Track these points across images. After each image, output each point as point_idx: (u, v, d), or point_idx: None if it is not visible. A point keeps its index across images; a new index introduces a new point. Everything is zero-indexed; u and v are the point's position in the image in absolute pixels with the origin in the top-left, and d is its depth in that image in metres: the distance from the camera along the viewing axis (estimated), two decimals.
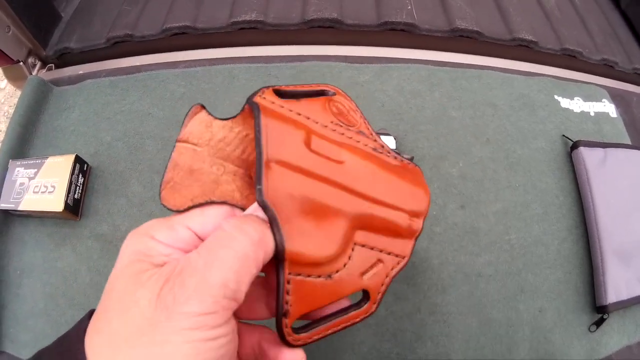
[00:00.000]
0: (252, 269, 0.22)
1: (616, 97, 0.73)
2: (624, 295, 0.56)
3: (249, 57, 0.68)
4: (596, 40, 0.77)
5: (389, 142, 0.58)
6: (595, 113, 0.69)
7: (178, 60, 0.68)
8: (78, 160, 0.56)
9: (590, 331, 0.55)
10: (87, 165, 0.58)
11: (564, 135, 0.65)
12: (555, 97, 0.69)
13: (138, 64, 0.70)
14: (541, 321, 0.54)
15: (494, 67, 0.71)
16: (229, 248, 0.22)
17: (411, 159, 0.58)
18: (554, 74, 0.73)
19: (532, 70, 0.72)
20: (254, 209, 0.25)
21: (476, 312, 0.52)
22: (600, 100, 0.71)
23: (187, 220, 0.26)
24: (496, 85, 0.67)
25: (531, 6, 0.79)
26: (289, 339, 0.25)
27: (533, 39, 0.71)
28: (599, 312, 0.55)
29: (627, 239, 0.58)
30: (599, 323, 0.55)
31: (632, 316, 0.58)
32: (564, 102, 0.69)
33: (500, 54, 0.73)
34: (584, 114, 0.69)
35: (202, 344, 0.20)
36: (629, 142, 0.69)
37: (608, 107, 0.70)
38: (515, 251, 0.56)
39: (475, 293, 0.53)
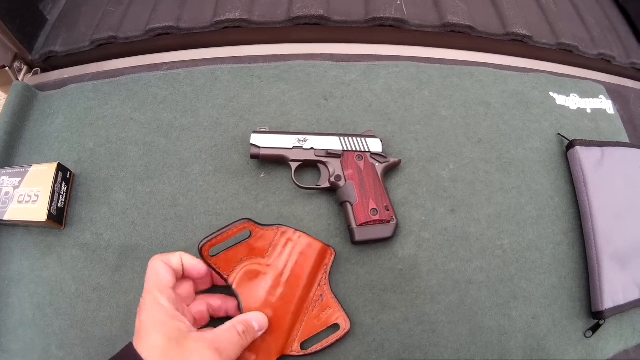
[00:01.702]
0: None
1: (613, 92, 0.70)
2: (621, 300, 0.54)
3: (233, 57, 0.66)
4: (593, 34, 0.74)
5: (375, 145, 0.56)
6: (592, 110, 0.67)
7: (161, 62, 0.67)
8: (61, 168, 0.55)
9: (586, 337, 0.53)
10: (70, 172, 0.57)
11: (559, 134, 0.63)
12: (551, 93, 0.67)
13: (122, 66, 0.68)
14: (535, 328, 0.52)
15: (487, 63, 0.69)
16: (237, 344, 0.41)
17: (399, 162, 0.56)
18: (550, 70, 0.71)
19: (526, 66, 0.70)
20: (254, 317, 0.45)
21: (467, 320, 0.51)
22: (597, 97, 0.68)
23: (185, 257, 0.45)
24: (489, 83, 0.65)
25: (527, 1, 0.76)
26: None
27: (528, 34, 0.69)
28: (595, 317, 0.54)
29: (624, 242, 0.57)
30: (594, 329, 0.53)
31: (630, 320, 0.56)
32: (560, 99, 0.67)
33: (494, 49, 0.71)
34: (580, 111, 0.67)
35: None
36: (627, 140, 0.67)
37: (605, 104, 0.68)
38: (508, 256, 0.54)
39: (465, 301, 0.52)
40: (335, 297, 0.49)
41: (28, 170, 0.54)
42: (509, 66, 0.69)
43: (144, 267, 0.49)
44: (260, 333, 0.43)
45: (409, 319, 0.50)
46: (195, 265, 0.44)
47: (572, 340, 0.53)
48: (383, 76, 0.64)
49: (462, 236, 0.55)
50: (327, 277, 0.49)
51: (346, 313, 0.48)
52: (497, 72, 0.67)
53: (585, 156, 0.60)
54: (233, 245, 0.46)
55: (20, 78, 0.71)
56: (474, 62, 0.68)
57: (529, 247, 0.55)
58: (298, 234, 0.49)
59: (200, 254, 0.45)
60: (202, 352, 0.37)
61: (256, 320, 0.43)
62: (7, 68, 0.70)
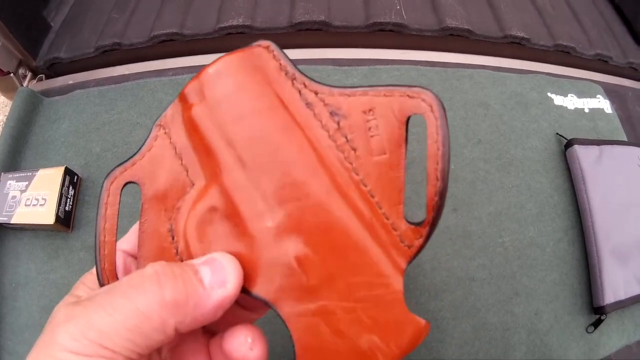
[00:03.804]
0: (153, 335, 0.18)
1: (611, 92, 0.72)
2: (622, 295, 0.55)
3: None
4: (590, 35, 0.76)
5: None
6: (590, 109, 0.68)
7: (166, 67, 0.68)
8: (68, 172, 0.55)
9: (588, 332, 0.54)
10: (77, 176, 0.57)
11: (557, 134, 0.64)
12: (549, 94, 0.68)
13: (127, 72, 0.69)
14: (537, 324, 0.53)
15: (486, 65, 0.70)
16: (130, 299, 0.18)
17: None
18: (547, 71, 0.72)
19: (524, 68, 0.71)
20: (205, 260, 0.22)
21: (470, 316, 0.52)
22: (594, 96, 0.70)
23: (122, 242, 0.25)
24: (488, 85, 0.66)
25: (523, 2, 0.78)
26: None
27: (525, 36, 0.70)
28: (597, 313, 0.55)
29: (624, 238, 0.58)
30: (596, 324, 0.54)
31: (631, 315, 0.57)
32: (558, 100, 0.68)
33: (492, 52, 0.72)
34: (578, 111, 0.68)
35: None
36: (625, 139, 0.68)
37: (603, 103, 0.69)
38: (510, 254, 0.55)
39: (469, 297, 0.52)
40: (347, 87, 0.24)
41: (35, 174, 0.55)
42: (507, 68, 0.70)
43: None
44: (229, 290, 0.21)
45: None
46: None
47: (574, 335, 0.54)
48: (384, 79, 0.66)
49: (463, 234, 0.56)
50: (302, 76, 0.24)
51: (403, 86, 0.23)
52: (496, 74, 0.68)
53: (584, 155, 0.61)
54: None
55: (24, 84, 0.72)
56: (472, 64, 0.70)
57: (530, 244, 0.56)
58: (190, 87, 0.24)
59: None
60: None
61: (209, 262, 0.21)
62: (12, 74, 0.71)
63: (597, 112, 0.69)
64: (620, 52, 0.77)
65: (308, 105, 0.23)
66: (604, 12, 0.83)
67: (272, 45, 0.24)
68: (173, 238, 0.23)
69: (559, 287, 0.55)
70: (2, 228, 0.55)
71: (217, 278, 0.21)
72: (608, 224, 0.58)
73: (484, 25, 0.71)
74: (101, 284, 0.23)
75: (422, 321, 0.21)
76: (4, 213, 0.53)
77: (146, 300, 0.19)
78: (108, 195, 0.24)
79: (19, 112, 0.63)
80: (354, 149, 0.22)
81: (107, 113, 0.63)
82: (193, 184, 0.24)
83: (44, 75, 0.74)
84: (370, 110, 0.22)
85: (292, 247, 0.21)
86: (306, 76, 0.23)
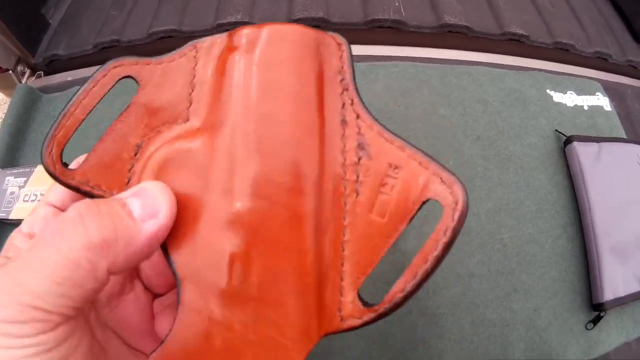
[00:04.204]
0: (85, 282, 0.17)
1: (610, 90, 0.71)
2: (621, 292, 0.55)
3: None
4: (589, 32, 0.76)
5: None
6: (589, 107, 0.68)
7: None
8: (66, 167, 0.55)
9: (587, 329, 0.54)
10: None
11: (557, 131, 0.64)
12: (548, 91, 0.68)
13: None
14: (536, 320, 0.53)
15: (484, 62, 0.70)
16: (54, 248, 0.17)
17: None
18: (546, 68, 0.72)
19: (523, 65, 0.71)
20: (134, 192, 0.20)
21: (469, 312, 0.51)
22: (593, 94, 0.69)
23: (50, 193, 0.23)
24: (486, 81, 0.66)
25: (522, 1, 0.78)
26: None
27: (524, 33, 0.70)
28: (596, 309, 0.54)
29: (623, 235, 0.57)
30: (596, 321, 0.54)
31: (631, 313, 0.57)
32: (557, 97, 0.68)
33: (491, 49, 0.72)
34: (577, 108, 0.68)
35: (4, 351, 0.16)
36: (624, 136, 0.68)
37: (602, 101, 0.69)
38: (509, 250, 0.55)
39: (467, 294, 0.52)
40: (392, 132, 0.21)
41: (33, 170, 0.55)
42: (506, 65, 0.70)
43: None
44: (161, 220, 0.19)
45: (412, 312, 0.50)
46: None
47: (573, 332, 0.53)
48: (383, 76, 0.65)
49: (462, 230, 0.55)
50: (355, 92, 0.22)
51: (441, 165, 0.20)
52: (494, 71, 0.68)
53: (583, 152, 0.60)
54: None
55: (23, 81, 0.72)
56: (471, 61, 0.69)
57: (529, 240, 0.56)
58: (247, 31, 0.22)
59: (49, 173, 0.22)
60: None
61: (139, 194, 0.20)
62: (10, 71, 0.71)
63: (596, 110, 0.68)
64: (619, 50, 0.77)
65: (343, 122, 0.21)
66: (603, 10, 0.83)
67: (345, 46, 0.22)
68: (135, 154, 0.22)
69: (558, 283, 0.55)
70: (0, 224, 0.55)
71: (148, 209, 0.19)
72: (607, 221, 0.57)
73: (483, 23, 0.71)
74: (43, 162, 0.21)
75: None
76: (2, 209, 0.53)
77: (71, 245, 0.17)
78: (104, 76, 0.22)
79: (18, 109, 0.63)
80: (357, 193, 0.21)
81: (106, 110, 0.63)
82: (187, 120, 0.22)
83: (42, 72, 0.74)
84: (396, 167, 0.20)
85: (235, 243, 0.20)
86: (359, 95, 0.22)
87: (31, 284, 0.16)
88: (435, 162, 0.20)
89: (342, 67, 0.22)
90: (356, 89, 0.22)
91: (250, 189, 0.20)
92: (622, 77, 0.77)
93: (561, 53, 0.74)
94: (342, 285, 0.21)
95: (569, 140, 0.62)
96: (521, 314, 0.52)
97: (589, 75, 0.73)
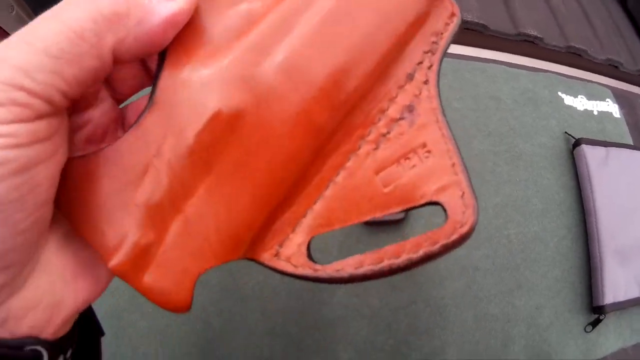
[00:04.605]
0: (85, 59, 0.15)
1: (620, 97, 0.72)
2: (622, 297, 0.55)
3: None
4: (602, 39, 0.76)
5: None
6: (599, 112, 0.69)
7: None
8: None
9: (586, 331, 0.54)
10: None
11: (566, 132, 0.64)
12: (559, 93, 0.68)
13: None
14: (538, 319, 0.53)
15: (498, 60, 0.70)
16: (56, 19, 0.14)
17: None
18: (559, 71, 0.72)
19: (536, 66, 0.71)
20: None
21: (472, 305, 0.51)
22: (604, 100, 0.70)
23: None
24: (500, 79, 0.66)
25: (537, 2, 0.78)
26: None
27: (538, 35, 0.70)
28: (596, 312, 0.55)
29: (626, 240, 0.58)
30: (595, 323, 0.54)
31: (629, 318, 0.57)
32: (568, 100, 0.68)
33: (505, 48, 0.72)
34: (587, 112, 0.68)
35: None
36: (631, 143, 0.68)
37: (612, 107, 0.70)
38: (514, 246, 0.55)
39: (472, 286, 0.52)
40: (447, 122, 0.19)
41: None
42: (520, 65, 0.70)
43: None
44: (181, 4, 0.17)
45: (416, 302, 0.50)
46: None
47: (573, 333, 0.54)
48: None
49: None
50: (438, 62, 0.20)
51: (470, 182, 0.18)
52: (509, 70, 0.68)
53: (591, 155, 0.61)
54: None
55: None
56: (485, 58, 0.69)
57: (534, 238, 0.56)
58: None
59: None
60: None
61: None
62: None
63: (605, 115, 0.69)
64: (630, 59, 0.77)
65: (409, 76, 0.19)
66: (617, 19, 0.83)
67: (457, 19, 0.20)
68: None
69: (561, 283, 0.55)
70: None
71: None
72: (612, 225, 0.58)
73: (499, 22, 0.71)
74: None
75: (185, 301, 0.18)
76: None
77: (77, 15, 0.14)
78: None
79: None
80: (377, 147, 0.19)
81: None
82: None
83: None
84: (428, 152, 0.18)
85: (231, 104, 0.17)
86: (439, 67, 0.20)
87: (19, 58, 0.14)
88: (467, 176, 0.18)
89: (442, 34, 0.20)
90: (440, 60, 0.20)
91: (285, 62, 0.17)
92: (633, 86, 0.78)
93: (574, 57, 0.74)
94: (301, 221, 0.19)
95: (577, 143, 0.62)
96: (523, 311, 0.52)
97: (599, 82, 0.73)
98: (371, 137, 0.19)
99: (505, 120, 0.63)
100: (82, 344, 0.20)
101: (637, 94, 0.76)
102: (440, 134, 0.18)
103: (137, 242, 0.17)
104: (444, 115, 0.19)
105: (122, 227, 0.17)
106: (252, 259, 0.18)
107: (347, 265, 0.17)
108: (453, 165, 0.18)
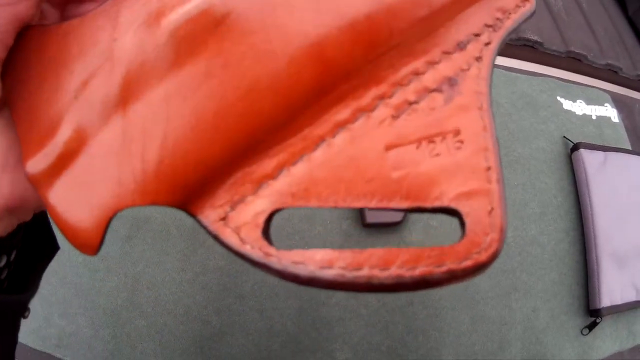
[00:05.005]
0: None
1: (619, 102, 0.72)
2: (618, 300, 0.55)
3: None
4: (602, 44, 0.76)
5: None
6: (597, 117, 0.69)
7: None
8: None
9: (583, 334, 0.55)
10: None
11: (564, 137, 0.65)
12: (558, 98, 0.68)
13: None
14: (534, 321, 0.53)
15: (498, 65, 0.70)
16: None
17: None
18: (558, 76, 0.72)
19: (536, 71, 0.72)
20: None
21: (469, 308, 0.52)
22: (602, 104, 0.70)
23: None
24: (499, 83, 0.67)
25: (538, 7, 0.78)
26: None
27: (538, 40, 0.71)
28: (592, 315, 0.55)
29: (623, 243, 0.58)
30: (591, 327, 0.54)
31: (626, 322, 0.57)
32: (567, 104, 0.68)
33: (504, 52, 0.72)
34: (585, 117, 0.68)
35: None
36: (630, 148, 0.68)
37: (610, 112, 0.70)
38: (511, 249, 0.56)
39: (468, 289, 0.52)
40: (492, 113, 0.15)
41: None
42: (519, 69, 0.71)
43: (156, 238, 0.49)
44: None
45: (413, 303, 0.51)
46: None
47: (569, 336, 0.54)
48: None
49: None
50: (498, 41, 0.16)
51: (502, 190, 0.14)
52: (507, 74, 0.68)
53: (589, 159, 0.61)
54: None
55: None
56: None
57: (531, 242, 0.57)
58: None
59: None
60: None
61: None
62: None
63: (604, 120, 0.69)
64: (630, 64, 0.78)
65: (460, 45, 0.15)
66: (618, 24, 0.83)
67: (530, 5, 0.16)
68: None
69: (557, 286, 0.56)
70: None
71: None
72: (609, 229, 0.58)
73: None
74: None
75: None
76: None
77: None
78: None
79: None
80: (397, 117, 0.14)
81: None
82: None
83: None
84: (460, 142, 0.14)
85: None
86: (498, 48, 0.16)
87: None
88: (502, 188, 0.14)
89: (510, 14, 0.16)
90: (502, 42, 0.16)
91: None
92: (632, 91, 0.78)
93: (573, 62, 0.74)
94: (269, 183, 0.14)
95: (576, 147, 0.62)
96: (520, 313, 0.53)
97: (599, 86, 0.74)
98: (394, 100, 0.14)
99: (504, 124, 0.63)
100: (31, 251, 0.19)
101: (635, 99, 0.76)
102: (482, 125, 0.14)
103: (66, 143, 0.14)
104: (491, 106, 0.15)
105: (55, 121, 0.14)
106: (190, 214, 0.14)
107: (311, 260, 0.13)
108: (488, 169, 0.14)
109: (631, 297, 0.57)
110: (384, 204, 0.13)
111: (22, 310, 0.19)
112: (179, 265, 0.47)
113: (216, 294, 0.47)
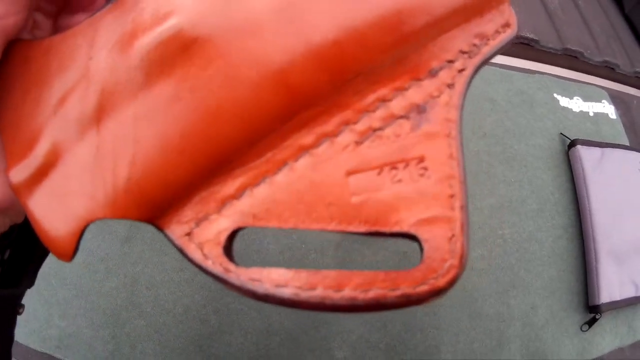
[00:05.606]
0: None
1: (616, 99, 0.72)
2: (617, 296, 0.55)
3: None
4: (598, 41, 0.77)
5: None
6: (595, 113, 0.69)
7: None
8: None
9: (582, 331, 0.55)
10: None
11: (562, 134, 0.65)
12: (555, 95, 0.69)
13: None
14: (533, 318, 0.53)
15: (494, 62, 0.70)
16: None
17: None
18: (555, 73, 0.72)
19: (532, 68, 0.72)
20: None
21: (467, 305, 0.52)
22: (599, 101, 0.70)
23: None
24: (495, 81, 0.67)
25: (534, 5, 0.79)
26: None
27: (535, 37, 0.71)
28: (592, 311, 0.55)
29: (621, 239, 0.58)
30: (591, 323, 0.54)
31: (625, 318, 0.57)
32: (563, 101, 0.68)
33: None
34: (582, 114, 0.68)
35: None
36: (627, 144, 0.68)
37: (607, 108, 0.70)
38: (509, 246, 0.56)
39: (466, 286, 0.53)
40: (460, 141, 0.15)
41: None
42: (515, 67, 0.71)
43: (155, 239, 0.50)
44: None
45: None
46: None
47: (568, 332, 0.54)
48: None
49: None
50: (473, 69, 0.16)
51: (466, 218, 0.14)
52: (503, 72, 0.68)
53: (586, 155, 0.61)
54: None
55: None
56: None
57: (529, 238, 0.57)
58: None
59: None
60: None
61: None
62: None
63: (601, 117, 0.69)
64: (627, 61, 0.78)
65: (432, 73, 0.15)
66: (614, 22, 0.84)
67: (511, 31, 0.16)
68: None
69: (556, 283, 0.56)
70: None
71: None
72: (607, 225, 0.58)
73: None
74: None
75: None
76: None
77: None
78: None
79: None
80: (360, 143, 0.14)
81: None
82: None
83: None
84: (425, 169, 0.14)
85: (206, 19, 0.14)
86: (472, 77, 0.16)
87: None
88: (466, 216, 0.14)
89: (488, 40, 0.16)
90: (477, 69, 0.16)
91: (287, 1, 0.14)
92: (629, 87, 0.78)
93: (570, 60, 0.74)
94: (233, 202, 0.14)
95: (573, 144, 0.62)
96: (518, 310, 0.53)
97: (596, 83, 0.74)
98: (359, 126, 0.15)
99: (501, 121, 0.64)
100: (25, 251, 0.20)
101: (633, 95, 0.76)
102: (448, 153, 0.14)
103: (44, 156, 0.14)
104: (461, 134, 0.15)
105: (35, 134, 0.14)
106: (158, 228, 0.15)
107: (267, 279, 0.13)
108: (452, 196, 0.14)
109: (630, 292, 0.57)
110: (343, 228, 0.14)
111: (16, 304, 0.20)
112: (177, 265, 0.48)
113: (214, 293, 0.47)
